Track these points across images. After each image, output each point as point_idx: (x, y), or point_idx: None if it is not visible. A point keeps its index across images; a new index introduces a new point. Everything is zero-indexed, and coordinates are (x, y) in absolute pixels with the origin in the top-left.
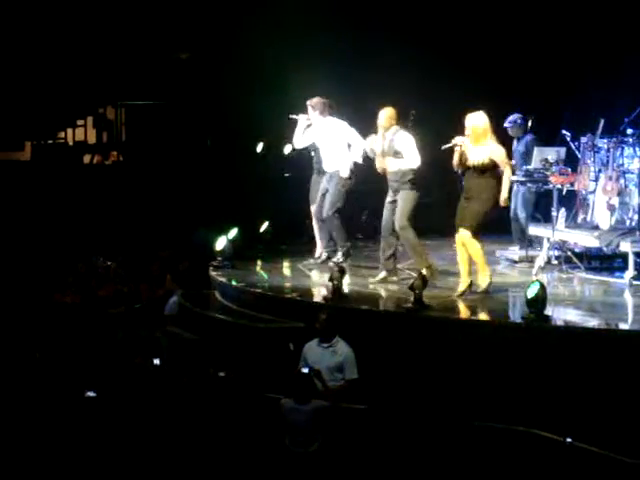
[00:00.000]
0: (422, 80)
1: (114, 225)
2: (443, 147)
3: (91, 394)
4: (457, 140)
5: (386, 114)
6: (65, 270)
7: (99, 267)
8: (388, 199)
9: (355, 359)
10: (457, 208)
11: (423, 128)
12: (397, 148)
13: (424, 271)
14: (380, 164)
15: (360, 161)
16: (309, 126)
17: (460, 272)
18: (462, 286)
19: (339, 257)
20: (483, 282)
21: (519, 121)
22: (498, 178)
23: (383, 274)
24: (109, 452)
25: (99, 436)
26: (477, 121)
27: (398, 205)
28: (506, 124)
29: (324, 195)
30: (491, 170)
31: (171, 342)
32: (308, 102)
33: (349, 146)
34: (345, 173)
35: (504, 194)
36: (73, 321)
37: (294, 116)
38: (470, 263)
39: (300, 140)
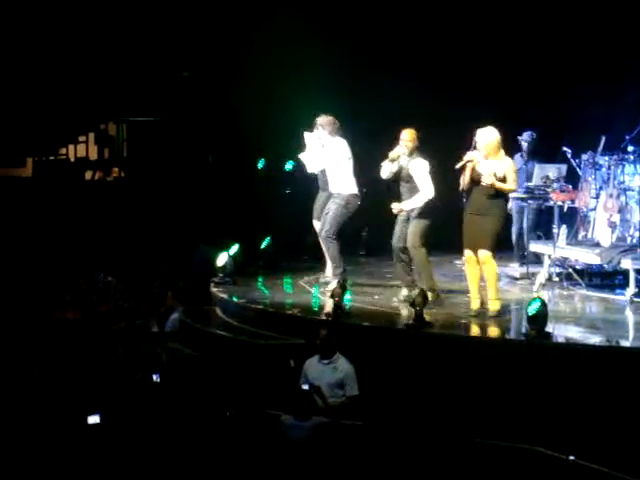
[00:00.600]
0: (424, 98)
1: (115, 241)
2: (457, 165)
3: (94, 420)
4: (470, 155)
5: (406, 136)
6: (66, 286)
7: (100, 282)
8: (401, 217)
9: (356, 375)
10: (465, 225)
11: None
12: (411, 173)
13: (428, 294)
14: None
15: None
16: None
17: (470, 291)
18: (475, 304)
19: (331, 285)
20: (494, 305)
21: (535, 137)
22: (505, 195)
23: (405, 291)
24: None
25: (101, 459)
26: (490, 136)
27: (411, 224)
28: (524, 139)
29: (327, 214)
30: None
31: (171, 358)
32: (319, 121)
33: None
34: (350, 192)
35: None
36: (74, 337)
37: (309, 134)
38: (479, 280)
39: (314, 163)
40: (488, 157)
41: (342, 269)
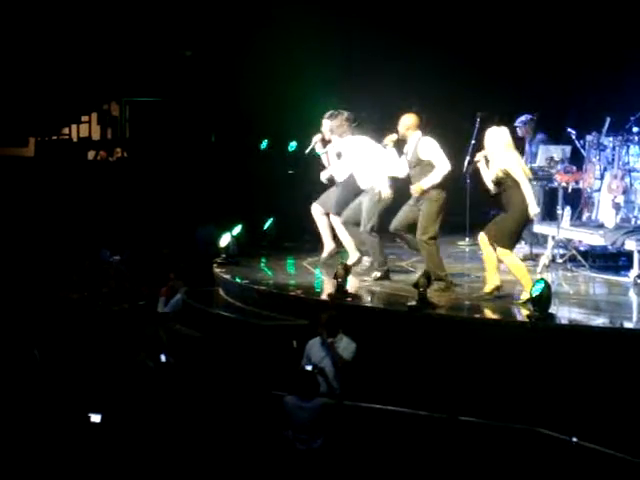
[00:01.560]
0: (431, 81)
1: (118, 222)
2: (465, 169)
3: (96, 418)
4: (477, 156)
5: (402, 122)
6: (69, 266)
7: (103, 263)
8: (410, 202)
9: (355, 351)
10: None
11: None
12: (421, 157)
13: (439, 283)
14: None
15: (402, 175)
16: (327, 142)
17: (487, 275)
18: (490, 286)
19: (374, 275)
20: (525, 296)
21: (529, 121)
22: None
23: (378, 273)
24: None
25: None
26: (494, 137)
27: (421, 216)
28: (516, 124)
29: (359, 204)
30: (513, 182)
31: (173, 339)
32: (327, 126)
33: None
34: (383, 188)
35: (532, 206)
36: (77, 317)
37: (312, 146)
38: (497, 266)
39: (341, 171)
40: (492, 157)
41: (386, 267)
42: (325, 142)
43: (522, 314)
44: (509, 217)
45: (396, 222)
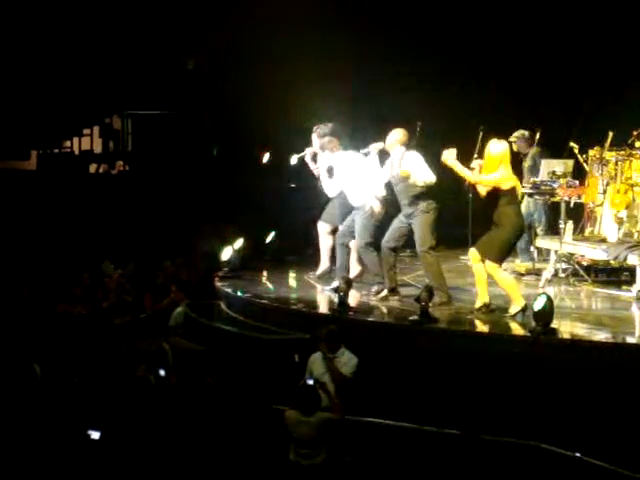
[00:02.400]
0: (434, 93)
1: (119, 235)
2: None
3: (95, 435)
4: (473, 164)
5: (391, 135)
6: (70, 280)
7: (104, 276)
8: (398, 220)
9: (357, 365)
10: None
11: (431, 140)
12: (407, 168)
13: (440, 296)
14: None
15: (380, 193)
16: (316, 155)
17: (477, 290)
18: (479, 303)
19: (374, 290)
20: (513, 310)
21: (524, 136)
22: (517, 204)
23: (385, 292)
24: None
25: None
26: (490, 149)
27: (416, 231)
28: (511, 139)
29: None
30: (506, 197)
31: (175, 352)
32: (319, 143)
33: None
34: (374, 204)
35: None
36: (78, 332)
37: (299, 155)
38: (487, 282)
39: (333, 186)
40: (485, 170)
41: (381, 279)
42: (316, 156)
43: (524, 329)
44: (501, 231)
45: (388, 238)
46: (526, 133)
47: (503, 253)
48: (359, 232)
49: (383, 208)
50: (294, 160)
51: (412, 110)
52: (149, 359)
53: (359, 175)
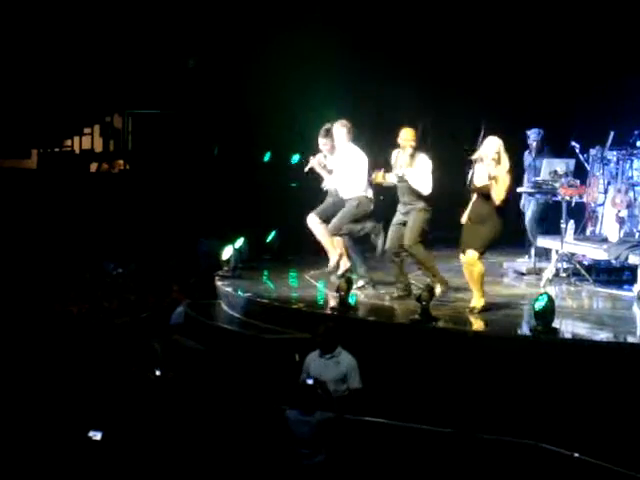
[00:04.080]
0: (435, 94)
1: (120, 234)
2: (468, 182)
3: (96, 435)
4: (475, 155)
5: (405, 134)
6: (70, 279)
7: (106, 275)
8: (396, 219)
9: (358, 369)
10: (463, 231)
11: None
12: (415, 168)
13: (438, 286)
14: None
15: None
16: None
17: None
18: (477, 302)
19: (359, 284)
20: (478, 303)
21: (542, 135)
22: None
23: (398, 292)
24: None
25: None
26: (489, 146)
27: (408, 224)
28: (534, 139)
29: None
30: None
31: (175, 352)
32: (332, 131)
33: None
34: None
35: None
36: (77, 331)
37: (310, 167)
38: (482, 280)
39: (332, 178)
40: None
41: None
42: (324, 165)
43: (525, 328)
44: (488, 225)
45: (390, 242)
46: (541, 132)
47: (486, 246)
48: (339, 215)
49: (371, 205)
50: (306, 170)
51: (414, 107)
52: (141, 360)
53: (359, 169)
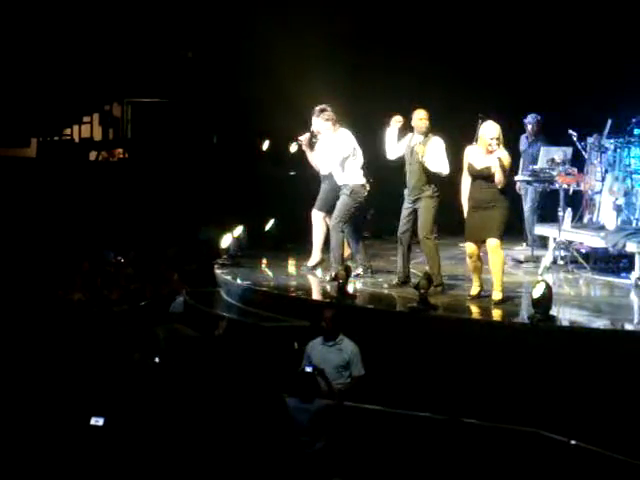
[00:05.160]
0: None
1: (119, 222)
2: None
3: (97, 422)
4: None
5: (420, 114)
6: (70, 267)
7: (107, 264)
8: (406, 205)
9: (360, 355)
10: (468, 219)
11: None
12: (429, 151)
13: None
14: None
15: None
16: (314, 137)
17: (472, 278)
18: (474, 290)
19: (358, 271)
20: (497, 295)
21: (539, 120)
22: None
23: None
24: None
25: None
26: (491, 128)
27: (420, 215)
28: (528, 121)
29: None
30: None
31: (173, 340)
32: (321, 116)
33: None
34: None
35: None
36: (78, 319)
37: (302, 138)
38: (482, 271)
39: (325, 162)
40: (489, 151)
41: (339, 260)
42: (312, 144)
43: (523, 316)
44: (497, 209)
45: (401, 229)
46: (539, 117)
47: (502, 230)
48: (338, 208)
49: (365, 189)
50: (294, 148)
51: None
52: (142, 346)
53: (350, 155)
